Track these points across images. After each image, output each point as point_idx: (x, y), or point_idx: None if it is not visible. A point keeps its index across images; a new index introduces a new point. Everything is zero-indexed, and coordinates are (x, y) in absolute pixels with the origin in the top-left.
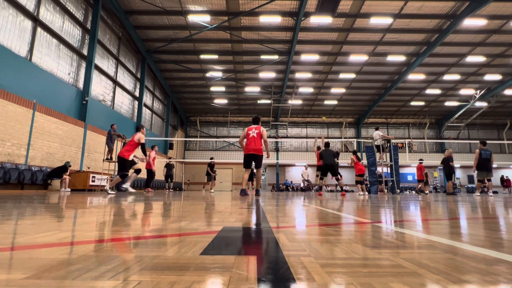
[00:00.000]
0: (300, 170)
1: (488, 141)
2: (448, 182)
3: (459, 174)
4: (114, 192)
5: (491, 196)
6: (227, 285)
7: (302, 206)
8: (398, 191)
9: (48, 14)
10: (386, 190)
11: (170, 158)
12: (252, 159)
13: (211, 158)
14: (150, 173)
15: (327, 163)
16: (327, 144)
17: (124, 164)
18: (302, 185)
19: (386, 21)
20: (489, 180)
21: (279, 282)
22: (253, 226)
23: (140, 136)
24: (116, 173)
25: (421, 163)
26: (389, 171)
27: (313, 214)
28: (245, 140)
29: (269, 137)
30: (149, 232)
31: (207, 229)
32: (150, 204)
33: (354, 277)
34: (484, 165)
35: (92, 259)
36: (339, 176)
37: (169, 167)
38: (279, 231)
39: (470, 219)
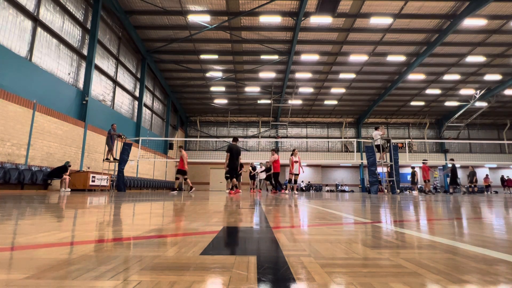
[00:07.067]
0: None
1: (488, 141)
2: None
3: (459, 174)
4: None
5: None
6: (227, 285)
7: (302, 206)
8: (398, 191)
9: (48, 14)
10: (386, 190)
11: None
12: None
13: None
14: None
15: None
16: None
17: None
18: (302, 185)
19: (386, 21)
20: None
21: (279, 282)
22: (253, 226)
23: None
24: (116, 173)
25: (425, 163)
26: (388, 171)
27: (313, 214)
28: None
29: (269, 137)
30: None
31: (207, 229)
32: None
33: (354, 277)
34: None
35: (92, 259)
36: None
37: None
38: (279, 231)
39: None
